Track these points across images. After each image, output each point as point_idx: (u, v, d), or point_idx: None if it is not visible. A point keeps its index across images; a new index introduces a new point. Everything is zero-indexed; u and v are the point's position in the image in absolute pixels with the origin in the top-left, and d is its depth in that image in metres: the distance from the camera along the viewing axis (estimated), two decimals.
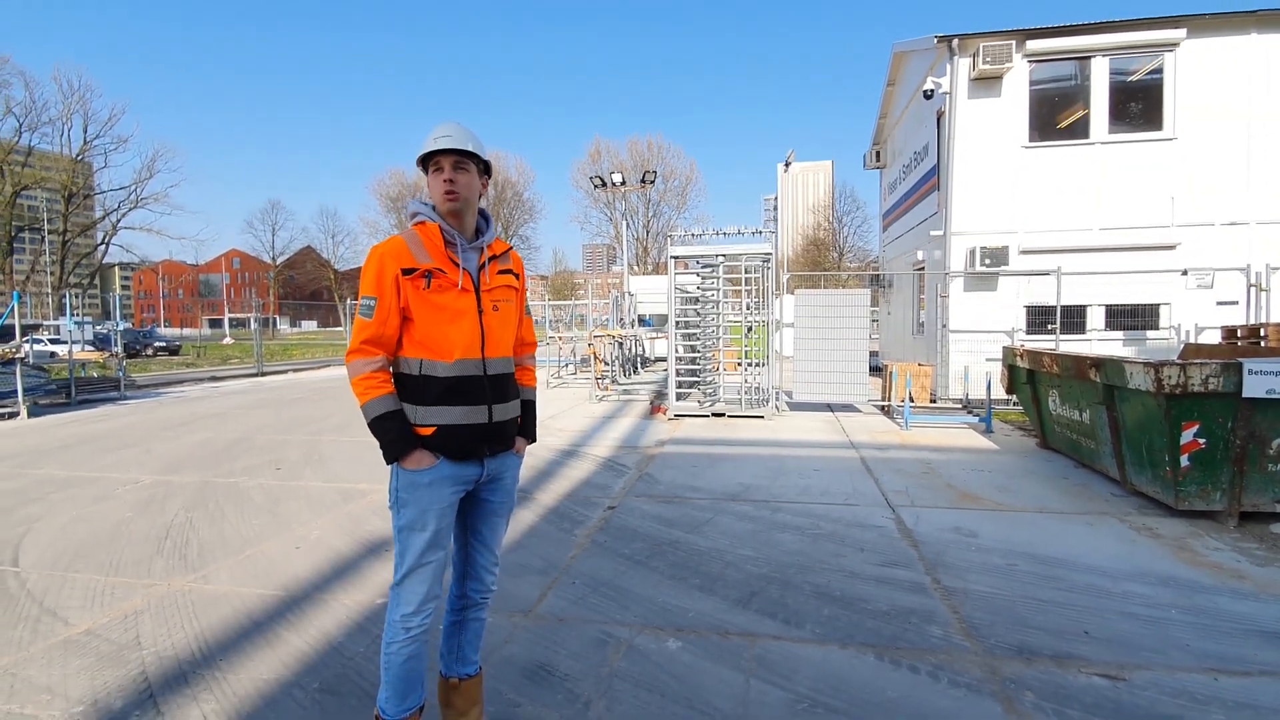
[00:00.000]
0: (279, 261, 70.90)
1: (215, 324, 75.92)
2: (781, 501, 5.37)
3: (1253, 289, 10.05)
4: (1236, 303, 10.20)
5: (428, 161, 2.14)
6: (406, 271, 2.04)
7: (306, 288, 74.98)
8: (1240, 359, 4.51)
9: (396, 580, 2.13)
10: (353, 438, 8.48)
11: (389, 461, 2.08)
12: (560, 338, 16.93)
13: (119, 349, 14.98)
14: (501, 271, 2.25)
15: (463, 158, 2.13)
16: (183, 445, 8.16)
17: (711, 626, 3.24)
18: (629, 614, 3.37)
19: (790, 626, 3.22)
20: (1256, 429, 4.52)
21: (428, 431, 2.08)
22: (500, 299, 2.23)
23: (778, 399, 10.29)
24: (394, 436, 2.05)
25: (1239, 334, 9.16)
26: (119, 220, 45.59)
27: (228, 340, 44.16)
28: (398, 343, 2.10)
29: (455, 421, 2.10)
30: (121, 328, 15.25)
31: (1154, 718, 2.46)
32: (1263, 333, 8.80)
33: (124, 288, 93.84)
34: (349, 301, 26.41)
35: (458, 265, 2.12)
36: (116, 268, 66.39)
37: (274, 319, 66.91)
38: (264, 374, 19.36)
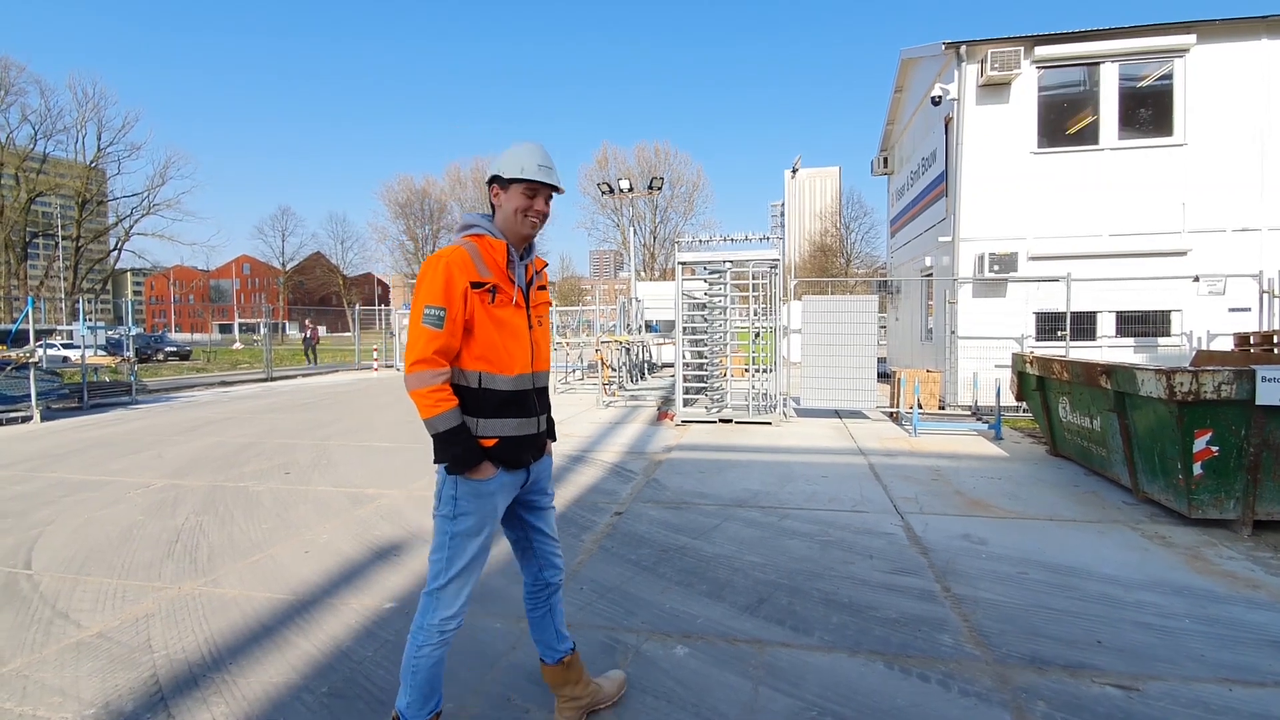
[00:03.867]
0: (288, 267, 71.45)
1: (225, 329, 76.42)
2: (789, 508, 5.35)
3: (1266, 295, 9.96)
4: (1249, 309, 10.11)
5: (512, 179, 2.18)
6: (474, 285, 2.08)
7: (316, 293, 75.38)
8: (1254, 366, 4.46)
9: (439, 585, 2.15)
10: (361, 443, 8.51)
11: (456, 472, 2.10)
12: (567, 343, 16.94)
13: (130, 354, 15.10)
14: (540, 288, 2.32)
15: (554, 191, 2.25)
16: (193, 449, 8.21)
17: (719, 633, 3.22)
18: (636, 620, 3.36)
19: (798, 633, 3.21)
20: (1271, 437, 4.48)
21: (490, 443, 2.15)
22: (542, 314, 2.34)
23: (785, 405, 10.26)
24: (464, 449, 2.08)
25: (1252, 341, 9.08)
26: (131, 226, 46.15)
27: (237, 345, 44.34)
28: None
29: (513, 433, 2.19)
30: (133, 333, 15.39)
31: None
32: (1277, 339, 8.72)
33: (136, 293, 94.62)
34: (357, 307, 26.55)
35: (513, 282, 2.20)
36: (129, 273, 66.97)
37: (283, 324, 67.19)
38: (273, 379, 19.45)
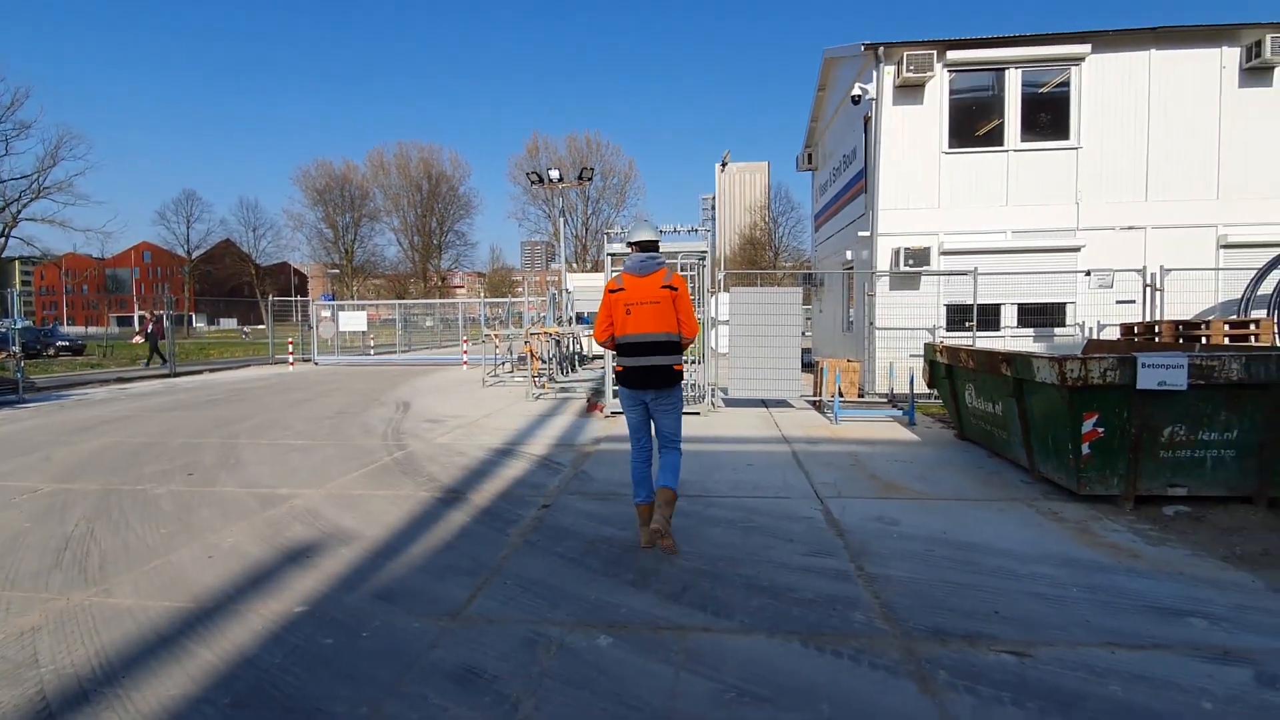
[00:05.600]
0: (194, 255, 67.10)
1: (124, 322, 71.14)
2: (715, 496, 5.45)
3: (1148, 289, 10.83)
4: (1134, 301, 10.97)
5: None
6: None
7: (225, 283, 71.00)
8: (1135, 354, 4.84)
9: (682, 438, 4.37)
10: (273, 440, 8.11)
11: None
12: (496, 335, 16.65)
13: (17, 349, 13.89)
14: None
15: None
16: (85, 451, 7.62)
17: (643, 621, 3.25)
18: (560, 612, 3.35)
19: (720, 618, 3.27)
20: (1150, 419, 4.87)
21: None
22: None
23: (713, 396, 10.43)
24: None
25: (1136, 330, 9.87)
26: (19, 211, 42.33)
27: (138, 339, 41.25)
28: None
29: None
30: (20, 326, 14.12)
31: (1057, 691, 2.61)
32: (1157, 329, 9.51)
33: (24, 283, 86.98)
34: (270, 298, 25.23)
35: None
36: (16, 262, 61.25)
37: (189, 316, 63.15)
38: (177, 375, 18.25)
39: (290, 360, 21.80)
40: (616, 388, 4.55)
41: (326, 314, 23.17)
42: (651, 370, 4.18)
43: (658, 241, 4.49)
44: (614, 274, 4.78)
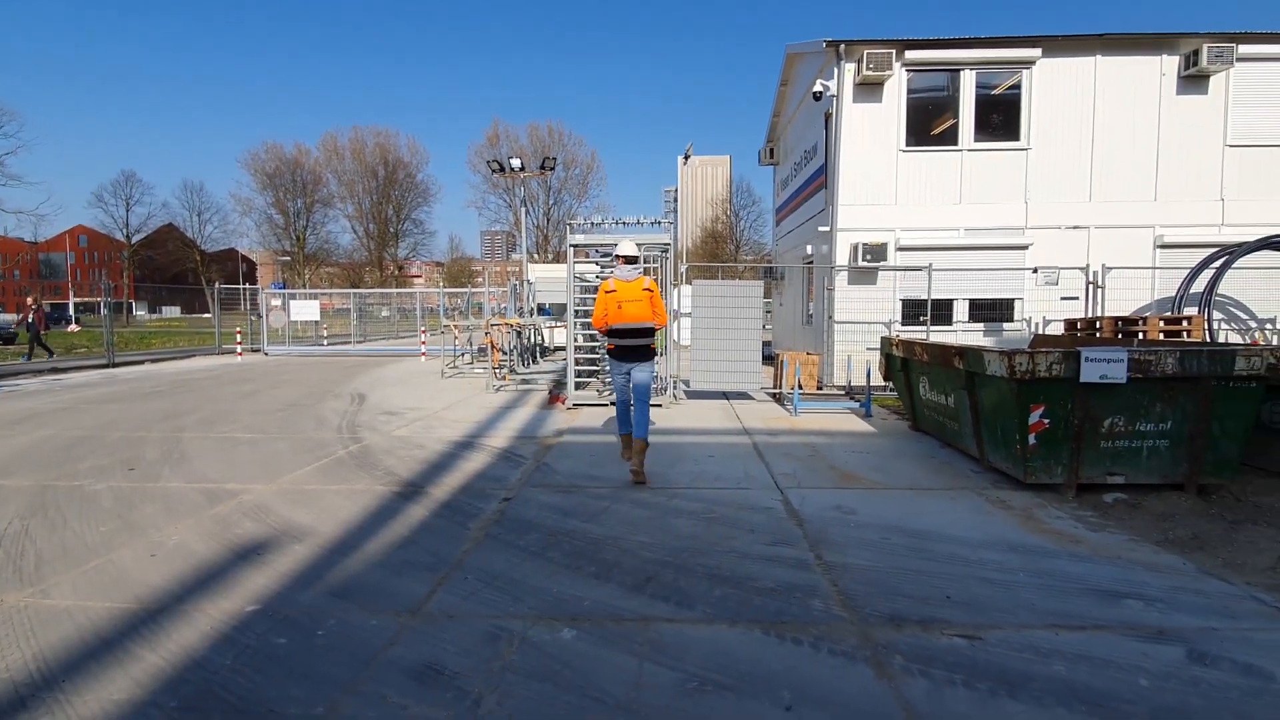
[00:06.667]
0: (134, 240, 64.00)
1: (56, 309, 67.50)
2: (677, 488, 5.48)
3: (1091, 286, 11.28)
4: (1077, 298, 11.42)
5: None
6: None
7: (168, 269, 67.89)
8: (1079, 348, 5.04)
9: (652, 399, 6.21)
10: (221, 434, 7.83)
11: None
12: (456, 326, 16.38)
13: None
14: None
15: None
16: (17, 445, 7.23)
17: (606, 613, 3.25)
18: (523, 606, 3.33)
19: (682, 608, 3.30)
20: (1091, 410, 5.09)
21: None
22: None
23: (675, 388, 10.48)
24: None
25: (1079, 326, 10.28)
26: None
27: (73, 327, 39.12)
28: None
29: None
30: None
31: (1005, 671, 2.71)
32: (1098, 325, 9.92)
33: None
34: (217, 286, 24.27)
35: None
36: None
37: (129, 304, 60.26)
38: (116, 365, 17.45)
39: (238, 350, 21.05)
40: (608, 363, 5.99)
41: (277, 303, 22.46)
42: (635, 348, 5.73)
43: (639, 257, 6.36)
44: (607, 277, 6.12)
